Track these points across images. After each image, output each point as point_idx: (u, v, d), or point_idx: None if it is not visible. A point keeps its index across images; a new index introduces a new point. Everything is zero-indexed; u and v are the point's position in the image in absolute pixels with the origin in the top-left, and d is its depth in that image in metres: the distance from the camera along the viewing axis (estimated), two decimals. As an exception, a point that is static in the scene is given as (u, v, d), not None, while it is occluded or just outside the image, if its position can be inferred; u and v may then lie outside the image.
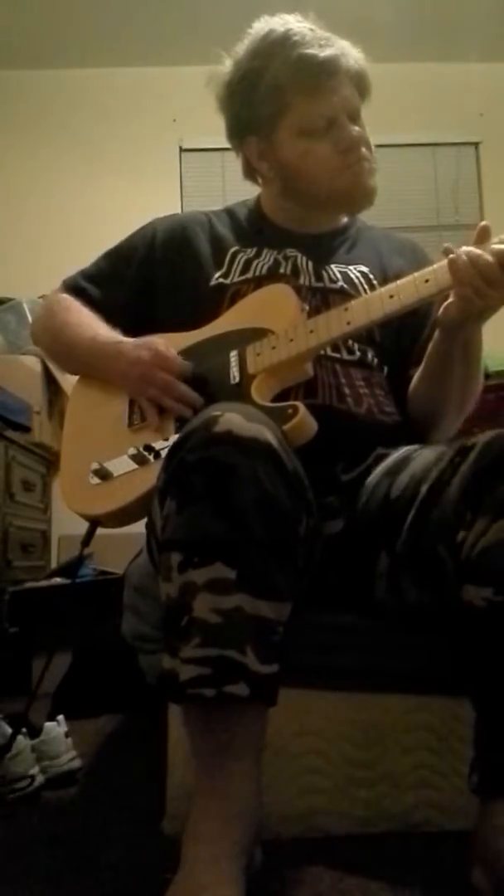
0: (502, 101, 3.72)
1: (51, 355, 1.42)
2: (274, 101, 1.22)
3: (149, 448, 1.10)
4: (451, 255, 1.03)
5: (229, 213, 1.39)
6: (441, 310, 1.11)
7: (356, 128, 1.23)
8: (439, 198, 3.72)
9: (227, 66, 1.27)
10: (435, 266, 1.07)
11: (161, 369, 1.14)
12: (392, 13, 3.25)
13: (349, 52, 1.23)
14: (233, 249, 1.30)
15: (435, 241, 3.58)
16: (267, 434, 0.86)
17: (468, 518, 0.89)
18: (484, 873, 0.83)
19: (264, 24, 1.24)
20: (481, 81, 3.69)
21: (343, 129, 1.22)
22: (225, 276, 1.27)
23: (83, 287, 1.35)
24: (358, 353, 1.22)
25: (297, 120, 1.22)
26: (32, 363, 2.85)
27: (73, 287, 1.35)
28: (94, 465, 1.14)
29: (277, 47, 1.21)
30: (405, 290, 1.07)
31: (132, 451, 1.10)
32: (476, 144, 3.75)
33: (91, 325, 1.28)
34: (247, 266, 1.27)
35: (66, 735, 1.34)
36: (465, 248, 1.03)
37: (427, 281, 1.06)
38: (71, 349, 1.30)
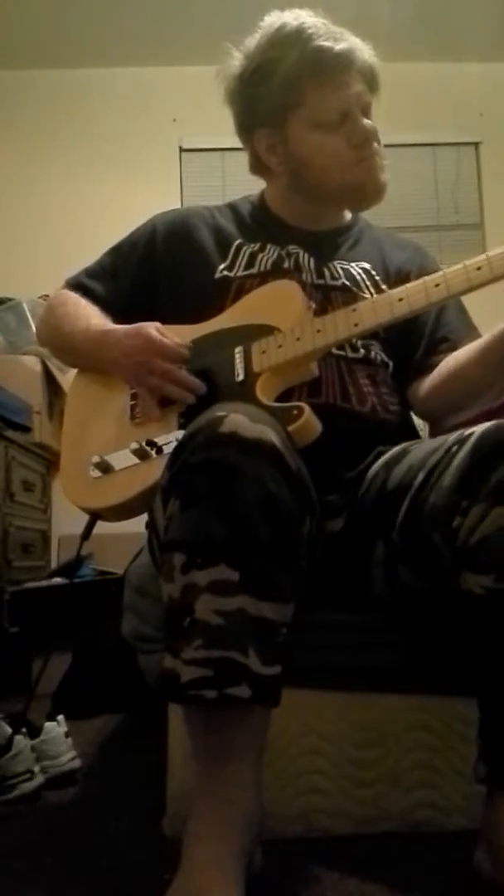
0: (502, 101, 3.72)
1: (53, 350, 1.42)
2: (288, 93, 1.22)
3: (151, 443, 1.10)
4: None
5: (231, 207, 1.39)
6: None
7: (369, 122, 1.23)
8: (439, 198, 3.72)
9: (237, 58, 1.26)
10: (445, 270, 1.06)
11: (158, 356, 1.14)
12: (392, 13, 3.25)
13: (362, 48, 1.23)
14: (237, 242, 1.29)
15: (435, 241, 3.59)
16: (271, 435, 0.85)
17: (463, 505, 0.89)
18: (487, 856, 0.84)
19: (276, 18, 1.24)
20: (481, 81, 3.69)
21: (356, 122, 1.21)
22: (229, 268, 1.26)
23: (85, 284, 1.35)
24: (362, 351, 1.22)
25: (311, 112, 1.22)
26: (32, 363, 2.85)
27: (76, 285, 1.36)
28: (96, 459, 1.14)
29: (293, 39, 1.20)
30: (415, 294, 1.07)
31: (134, 445, 1.10)
32: (476, 144, 3.74)
33: (86, 315, 1.29)
34: (251, 260, 1.26)
35: (66, 735, 1.34)
36: None
37: (437, 286, 1.05)
38: (68, 341, 1.30)
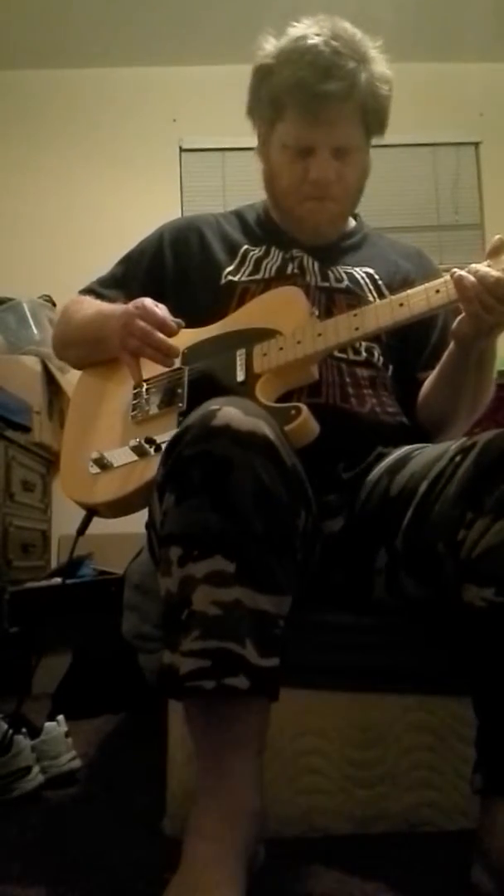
0: (502, 101, 3.72)
1: (65, 349, 1.41)
2: (273, 106, 1.23)
3: (150, 441, 1.11)
4: (458, 273, 1.02)
5: (237, 214, 1.41)
6: (455, 323, 1.11)
7: (337, 165, 1.21)
8: (439, 198, 3.71)
9: (263, 47, 1.25)
10: (447, 277, 1.06)
11: (141, 319, 1.15)
12: (392, 13, 3.24)
13: (365, 88, 1.19)
14: (244, 247, 1.31)
15: (435, 241, 3.58)
16: (264, 428, 0.86)
17: (468, 517, 0.89)
18: (485, 871, 0.83)
19: (303, 28, 1.21)
20: (481, 81, 3.68)
21: (319, 164, 1.21)
22: (234, 272, 1.28)
23: (97, 291, 1.38)
24: (364, 354, 1.23)
25: (283, 133, 1.23)
26: (32, 363, 2.85)
27: (88, 292, 1.39)
28: (95, 455, 1.15)
29: (291, 56, 1.19)
30: (416, 299, 1.07)
31: (133, 442, 1.11)
32: (476, 144, 3.74)
33: (99, 303, 1.32)
34: (257, 265, 1.28)
35: (66, 735, 1.34)
36: (472, 266, 1.03)
37: (438, 291, 1.06)
38: (81, 329, 1.32)
